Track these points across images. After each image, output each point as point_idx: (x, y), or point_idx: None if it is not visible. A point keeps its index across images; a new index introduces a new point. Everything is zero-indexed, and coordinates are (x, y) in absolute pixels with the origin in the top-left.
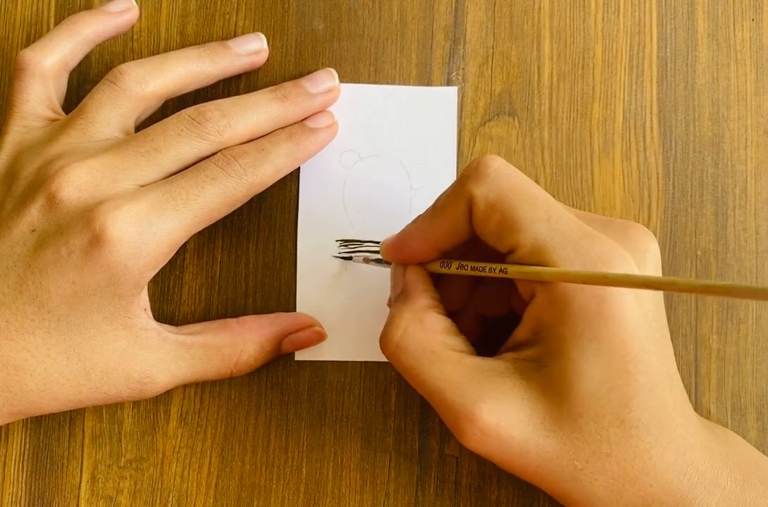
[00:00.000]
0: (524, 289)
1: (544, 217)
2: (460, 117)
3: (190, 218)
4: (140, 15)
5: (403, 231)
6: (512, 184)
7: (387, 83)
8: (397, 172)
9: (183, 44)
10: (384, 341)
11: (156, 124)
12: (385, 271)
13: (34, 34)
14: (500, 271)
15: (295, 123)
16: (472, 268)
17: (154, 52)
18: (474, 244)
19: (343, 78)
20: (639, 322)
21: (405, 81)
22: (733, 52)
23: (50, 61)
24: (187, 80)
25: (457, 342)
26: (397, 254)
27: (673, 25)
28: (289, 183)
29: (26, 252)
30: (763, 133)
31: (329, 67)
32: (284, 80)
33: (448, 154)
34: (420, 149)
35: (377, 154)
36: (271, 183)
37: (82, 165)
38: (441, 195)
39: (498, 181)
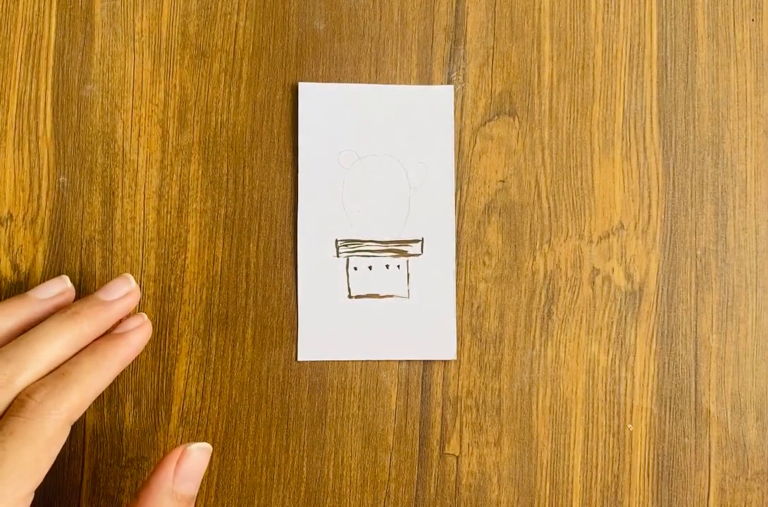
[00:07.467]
0: None
1: None
2: (460, 117)
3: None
4: (141, 15)
5: None
6: None
7: (387, 83)
8: (396, 171)
9: (184, 44)
10: None
11: None
12: (386, 272)
13: (35, 34)
14: None
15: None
16: None
17: (156, 51)
18: None
19: (344, 78)
20: None
21: (405, 81)
22: (733, 53)
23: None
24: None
25: None
26: None
27: (673, 26)
28: (289, 183)
29: None
30: (763, 133)
31: (329, 67)
32: (287, 79)
33: (447, 152)
34: (418, 148)
35: (375, 154)
36: (88, 403)
37: None
38: None
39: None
